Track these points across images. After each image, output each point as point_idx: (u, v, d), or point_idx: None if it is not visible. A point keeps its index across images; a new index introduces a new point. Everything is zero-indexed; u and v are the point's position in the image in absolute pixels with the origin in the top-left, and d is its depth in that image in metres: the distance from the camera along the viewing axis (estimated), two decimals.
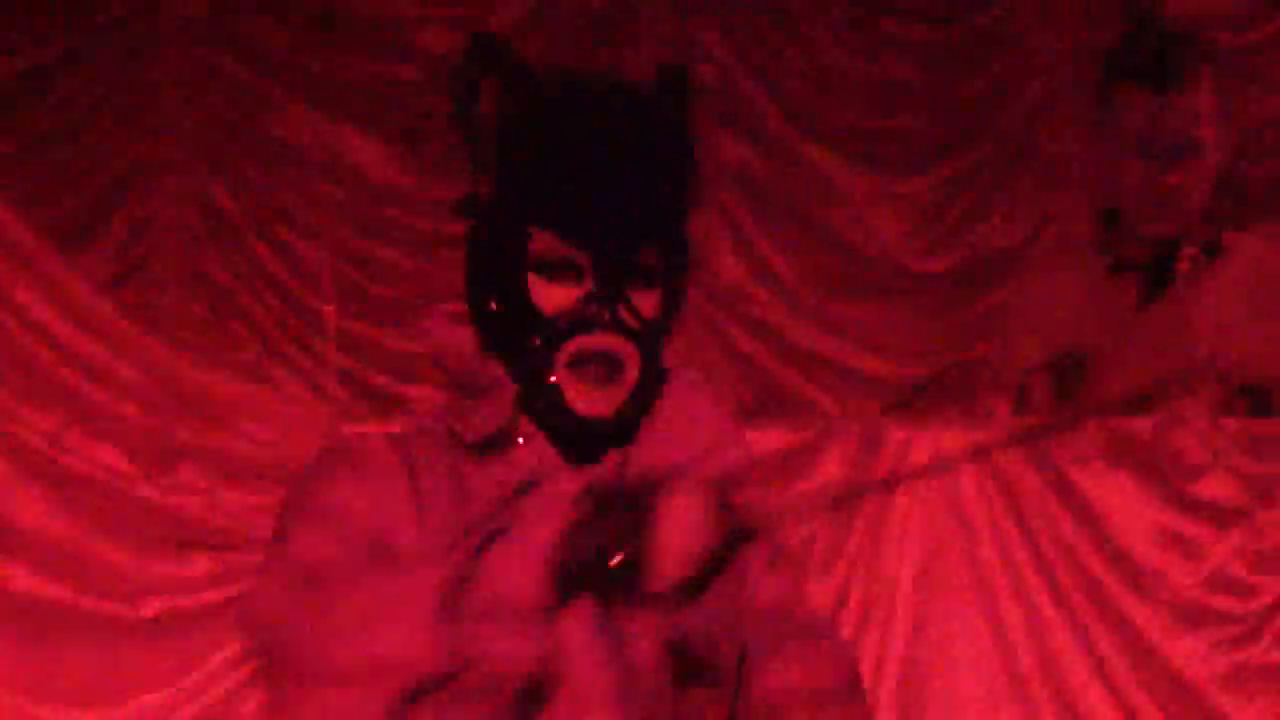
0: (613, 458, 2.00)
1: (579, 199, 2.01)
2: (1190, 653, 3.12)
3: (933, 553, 3.20)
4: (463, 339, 2.06)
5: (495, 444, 2.04)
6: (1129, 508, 3.17)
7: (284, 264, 4.70)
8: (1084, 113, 4.23)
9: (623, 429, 2.00)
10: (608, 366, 2.03)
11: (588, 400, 1.97)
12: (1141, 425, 3.22)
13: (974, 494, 3.19)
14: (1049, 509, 3.17)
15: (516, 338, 2.07)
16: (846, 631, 3.29)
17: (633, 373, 2.00)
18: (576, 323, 2.02)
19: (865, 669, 3.13)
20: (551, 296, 2.06)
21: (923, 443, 3.12)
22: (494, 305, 2.09)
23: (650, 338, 2.00)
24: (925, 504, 3.20)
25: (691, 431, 2.11)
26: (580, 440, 1.99)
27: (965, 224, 4.36)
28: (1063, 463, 3.18)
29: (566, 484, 1.95)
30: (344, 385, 4.41)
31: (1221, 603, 3.15)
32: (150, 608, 3.25)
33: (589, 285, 2.04)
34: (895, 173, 4.70)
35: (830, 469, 3.15)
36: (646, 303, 2.00)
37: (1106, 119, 3.56)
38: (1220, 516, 3.15)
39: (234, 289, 4.71)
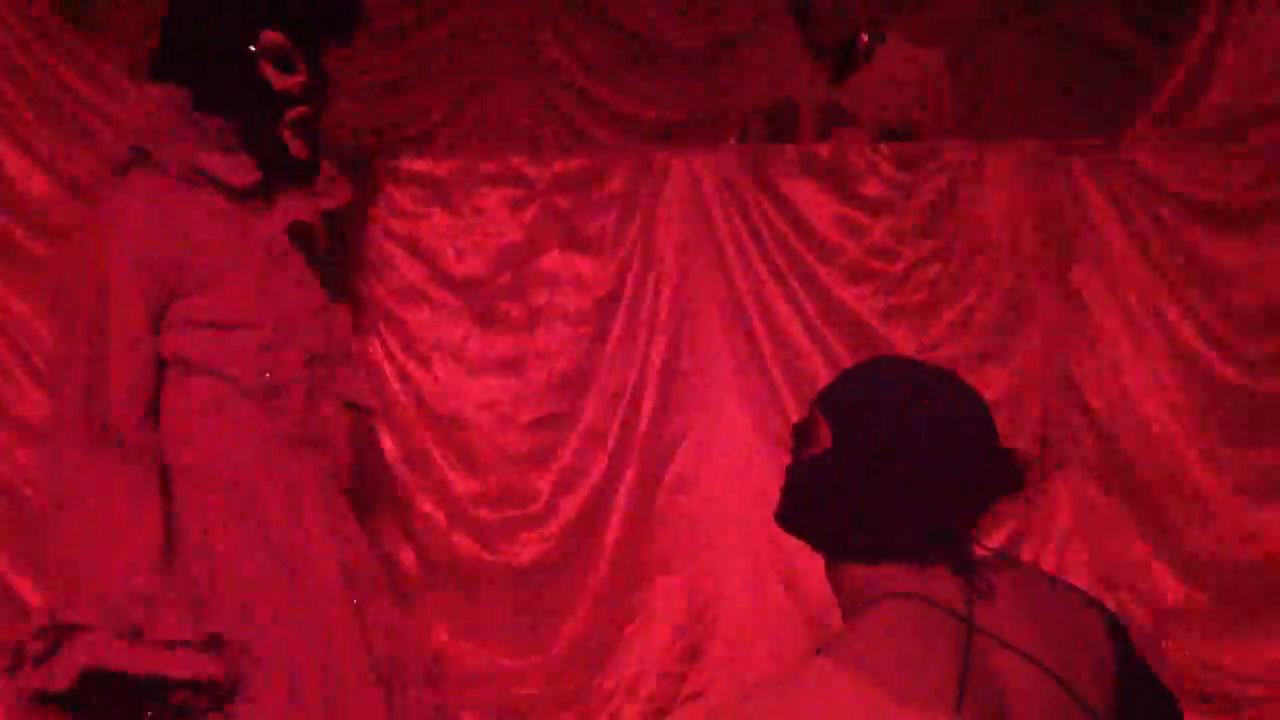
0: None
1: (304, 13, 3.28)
2: (859, 298, 4.04)
3: (688, 239, 4.05)
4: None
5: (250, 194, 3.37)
6: (817, 203, 4.07)
7: None
8: None
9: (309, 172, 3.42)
10: (307, 126, 3.36)
11: (301, 148, 3.31)
12: (824, 148, 4.10)
13: (715, 201, 4.05)
14: (764, 207, 4.06)
15: (251, 109, 3.33)
16: (626, 302, 4.09)
17: (316, 131, 3.38)
18: (296, 98, 3.30)
19: (640, 334, 4.12)
20: (281, 80, 3.35)
21: (680, 165, 4.04)
22: (250, 89, 3.33)
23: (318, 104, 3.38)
24: (680, 209, 4.06)
25: None
26: (290, 176, 3.35)
27: (710, 12, 4.88)
28: (774, 176, 4.06)
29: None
30: None
31: (877, 264, 4.08)
32: None
33: (303, 75, 3.33)
34: None
35: (615, 184, 4.05)
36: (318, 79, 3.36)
37: None
38: (874, 206, 4.08)
39: None
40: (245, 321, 3.29)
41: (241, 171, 3.36)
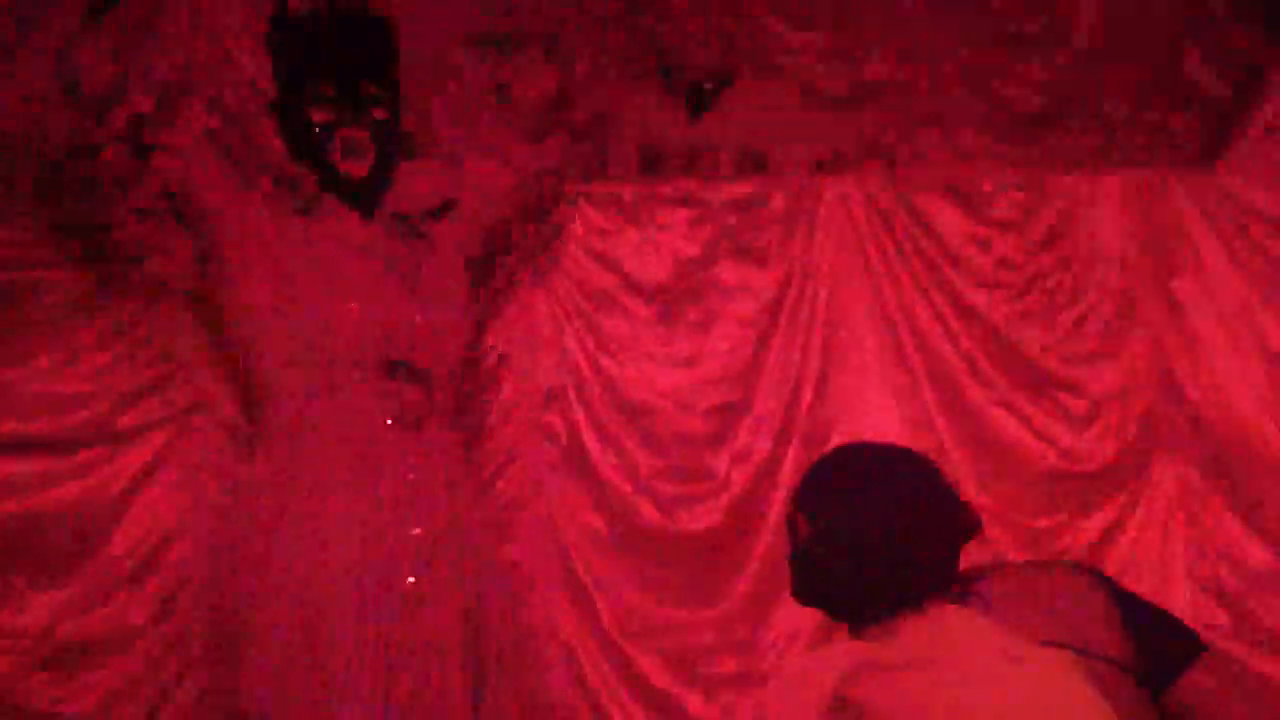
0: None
1: (327, 80, 3.85)
2: (988, 304, 4.33)
3: (839, 252, 4.33)
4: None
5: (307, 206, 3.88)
6: (951, 222, 4.36)
7: None
8: None
9: (370, 188, 3.90)
10: (356, 149, 3.86)
11: (350, 165, 3.88)
12: (967, 172, 4.35)
13: (862, 219, 4.36)
14: (905, 224, 4.35)
15: (305, 140, 3.88)
16: (787, 307, 4.28)
17: (372, 154, 3.87)
18: (331, 127, 3.86)
19: (799, 335, 4.27)
20: (323, 116, 3.90)
21: (832, 188, 4.31)
22: (298, 126, 3.88)
23: (381, 134, 3.89)
24: (833, 226, 4.34)
25: None
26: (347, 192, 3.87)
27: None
28: (913, 197, 4.34)
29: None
30: None
31: (1004, 275, 4.35)
32: None
33: (335, 111, 3.89)
34: None
35: (778, 205, 4.30)
36: (378, 111, 3.88)
37: None
38: (1002, 225, 4.37)
39: None
40: None
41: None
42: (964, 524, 2.28)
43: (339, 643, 3.64)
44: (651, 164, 4.37)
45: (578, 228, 4.24)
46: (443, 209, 4.03)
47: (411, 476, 3.82)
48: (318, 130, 3.88)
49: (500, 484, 4.17)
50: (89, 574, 3.95)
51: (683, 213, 4.31)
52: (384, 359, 3.84)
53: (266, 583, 3.70)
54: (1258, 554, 4.27)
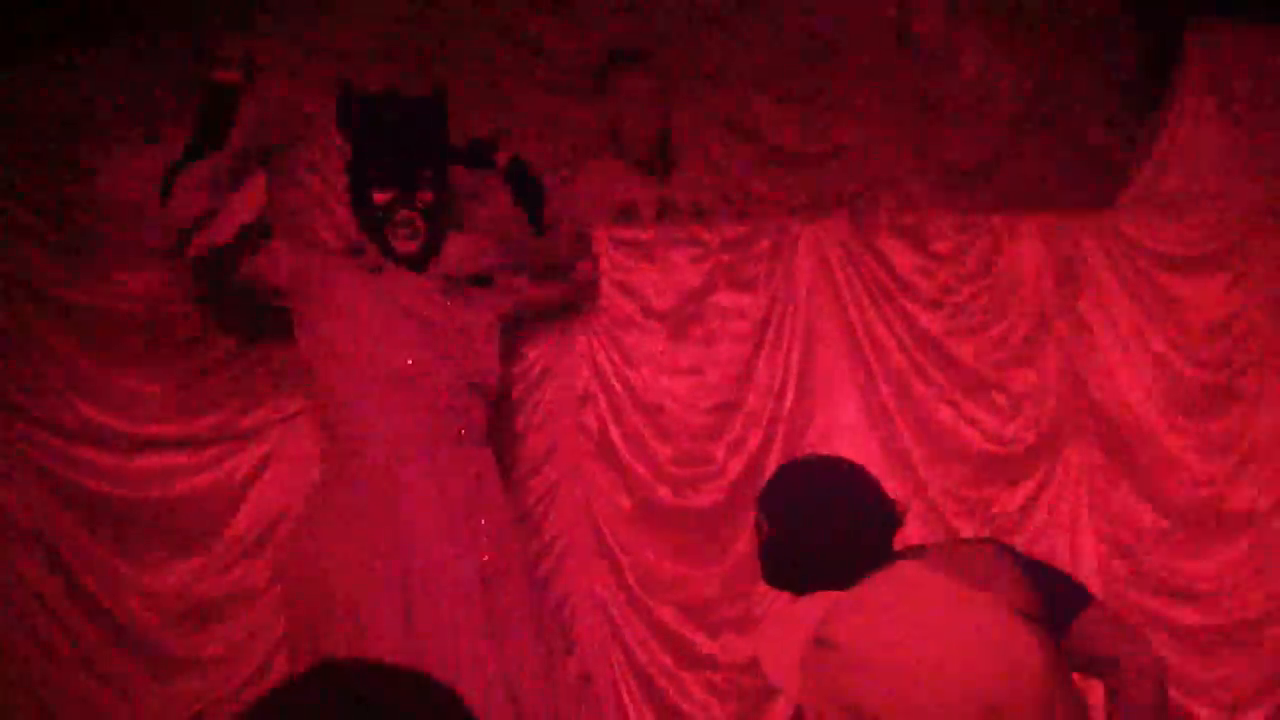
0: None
1: (384, 168, 3.84)
2: (932, 321, 4.46)
3: (815, 281, 4.47)
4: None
5: (379, 266, 3.88)
6: (903, 256, 4.54)
7: None
8: None
9: (422, 259, 3.91)
10: (409, 228, 3.90)
11: (403, 245, 3.94)
12: (907, 219, 4.48)
13: (832, 255, 4.50)
14: (867, 259, 4.52)
15: (370, 218, 3.90)
16: (773, 325, 4.37)
17: (423, 232, 3.91)
18: (390, 208, 3.88)
19: (782, 348, 4.34)
20: (382, 198, 3.88)
21: (809, 231, 4.44)
22: (363, 206, 3.90)
23: (430, 213, 3.91)
24: (809, 261, 4.48)
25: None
26: (403, 261, 3.90)
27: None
28: (873, 238, 4.51)
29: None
30: None
31: (945, 299, 4.53)
32: None
33: (392, 192, 3.89)
34: None
35: (764, 244, 4.41)
36: (427, 195, 3.90)
37: None
38: (942, 258, 4.53)
39: None
40: None
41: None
42: (891, 516, 2.47)
43: (433, 612, 3.68)
44: (663, 213, 4.63)
45: (606, 264, 4.41)
46: (481, 279, 4.14)
47: (473, 480, 3.91)
48: (379, 212, 3.97)
49: (545, 470, 4.37)
50: (217, 546, 4.22)
51: (688, 251, 4.48)
52: (435, 383, 3.90)
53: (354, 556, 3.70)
54: (1148, 516, 4.49)
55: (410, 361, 3.84)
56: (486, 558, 3.81)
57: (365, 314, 3.90)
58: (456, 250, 4.10)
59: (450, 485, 3.82)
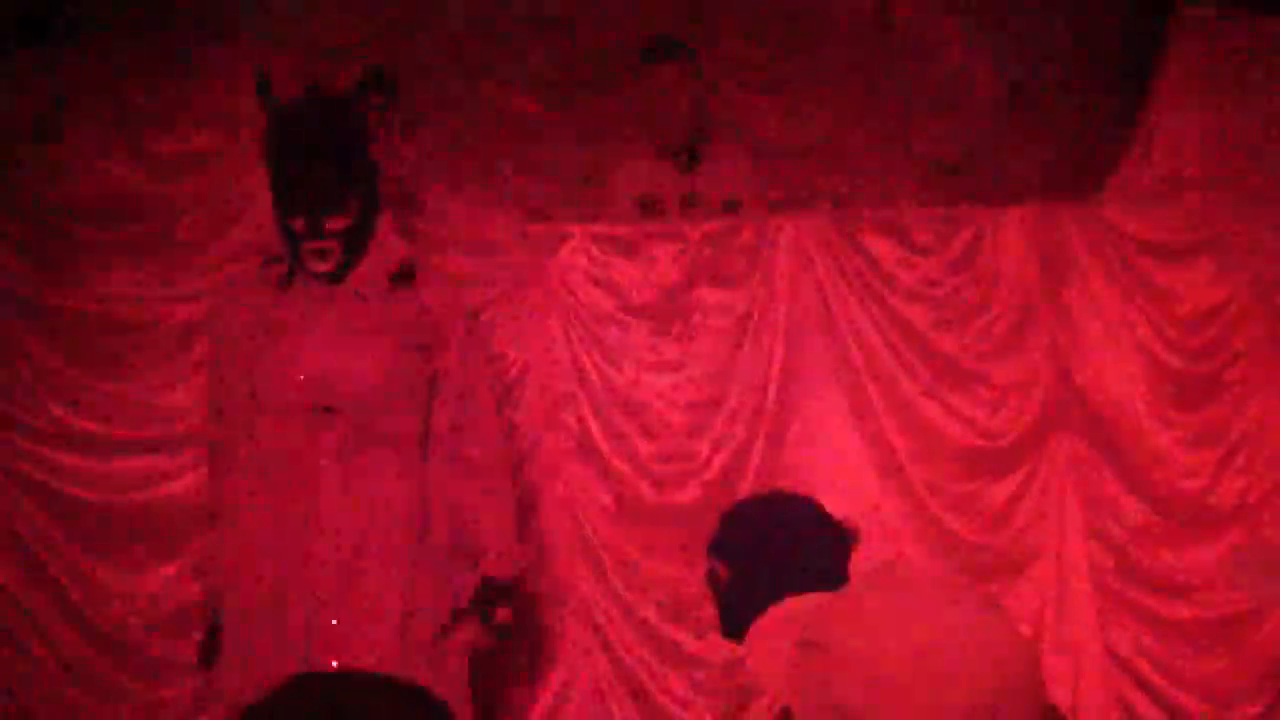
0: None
1: (294, 193, 3.76)
2: (915, 313, 4.50)
3: (796, 276, 4.47)
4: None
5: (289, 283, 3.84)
6: (884, 248, 4.56)
7: None
8: None
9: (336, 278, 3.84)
10: (317, 255, 3.84)
11: (316, 267, 3.86)
12: (889, 212, 4.56)
13: (814, 248, 4.50)
14: (848, 252, 4.54)
15: (289, 241, 3.84)
16: (754, 321, 4.39)
17: (336, 253, 3.84)
18: (305, 235, 3.82)
19: (764, 343, 4.44)
20: (295, 226, 3.81)
21: (790, 225, 4.49)
22: (284, 230, 3.84)
23: (346, 235, 3.85)
24: (791, 254, 4.49)
25: None
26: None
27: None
28: (854, 231, 4.54)
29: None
30: None
31: (928, 292, 4.52)
32: None
33: (302, 221, 3.80)
34: None
35: (746, 238, 4.47)
36: (337, 223, 3.83)
37: None
38: (924, 249, 4.56)
39: None
40: None
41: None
42: (844, 538, 2.49)
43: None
44: (644, 208, 4.69)
45: (583, 260, 4.47)
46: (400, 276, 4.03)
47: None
48: (294, 236, 3.93)
49: (526, 468, 4.40)
50: (196, 550, 4.21)
51: (668, 246, 4.52)
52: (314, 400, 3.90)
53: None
54: (1134, 508, 4.52)
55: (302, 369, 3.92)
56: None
57: (276, 322, 4.00)
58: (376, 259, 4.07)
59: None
